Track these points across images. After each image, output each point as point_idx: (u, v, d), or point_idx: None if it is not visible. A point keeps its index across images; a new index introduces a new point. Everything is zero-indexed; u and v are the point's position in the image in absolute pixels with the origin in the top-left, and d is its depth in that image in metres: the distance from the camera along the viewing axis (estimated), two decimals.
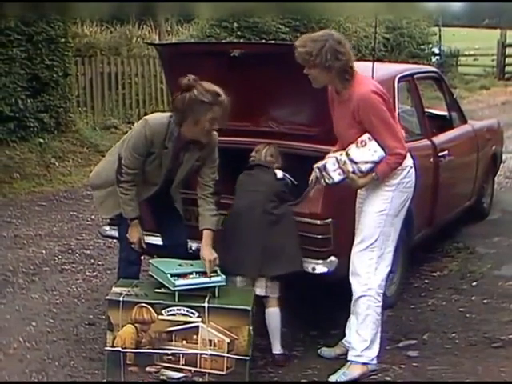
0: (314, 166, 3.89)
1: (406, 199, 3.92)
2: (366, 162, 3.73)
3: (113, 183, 4.02)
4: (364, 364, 3.90)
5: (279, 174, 4.20)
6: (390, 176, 3.82)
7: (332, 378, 3.86)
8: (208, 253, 3.93)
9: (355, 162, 3.73)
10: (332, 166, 3.80)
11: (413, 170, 3.93)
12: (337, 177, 3.80)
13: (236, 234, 4.06)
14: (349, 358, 3.94)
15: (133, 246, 4.06)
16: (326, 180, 3.84)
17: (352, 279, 3.91)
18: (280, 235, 4.03)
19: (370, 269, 3.85)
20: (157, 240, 4.32)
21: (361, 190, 3.98)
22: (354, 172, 3.75)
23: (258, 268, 4.00)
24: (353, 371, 3.88)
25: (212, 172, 4.10)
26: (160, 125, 3.90)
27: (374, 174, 3.76)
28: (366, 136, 3.73)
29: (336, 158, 3.79)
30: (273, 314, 4.04)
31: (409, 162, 3.91)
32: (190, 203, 4.31)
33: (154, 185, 4.07)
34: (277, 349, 4.06)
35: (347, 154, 3.76)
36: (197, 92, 3.79)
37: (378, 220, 3.83)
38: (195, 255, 4.12)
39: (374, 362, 3.93)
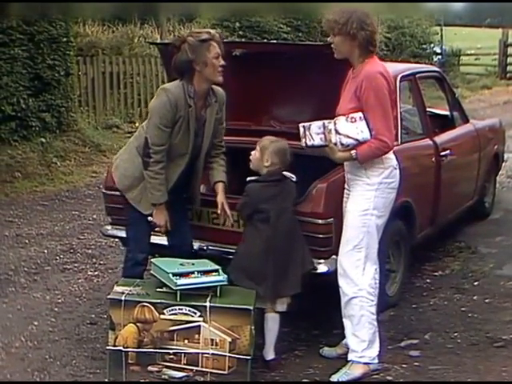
0: (300, 124, 3.88)
1: (390, 200, 3.91)
2: (349, 137, 3.73)
3: (142, 177, 4.03)
4: (365, 364, 3.90)
5: (292, 177, 4.11)
6: (372, 174, 3.81)
7: (334, 378, 3.86)
8: (224, 199, 4.12)
9: (338, 133, 3.73)
10: (317, 128, 3.80)
11: (396, 171, 3.92)
12: (318, 141, 3.80)
13: (274, 256, 3.95)
14: (350, 358, 3.93)
15: (158, 229, 4.05)
16: (307, 141, 3.84)
17: (341, 281, 3.90)
18: (298, 246, 4.02)
19: (358, 269, 3.85)
20: (161, 240, 4.32)
21: (346, 190, 3.98)
22: (335, 143, 3.76)
23: (299, 286, 3.98)
24: (354, 371, 3.88)
25: (224, 130, 4.21)
26: (177, 87, 3.98)
27: (353, 151, 3.75)
28: (358, 114, 3.73)
29: (324, 123, 3.79)
30: (273, 318, 4.01)
31: (393, 162, 3.90)
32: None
33: (183, 156, 4.05)
34: (271, 355, 4.01)
35: (334, 123, 3.76)
36: (192, 38, 3.96)
37: (362, 220, 3.82)
38: (198, 255, 4.13)
39: (376, 361, 3.93)
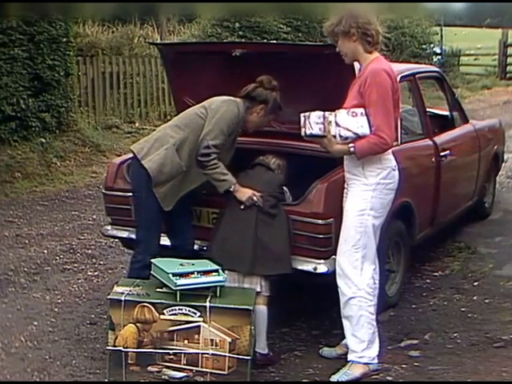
0: (301, 113, 3.90)
1: (388, 201, 3.91)
2: (348, 130, 3.74)
3: (175, 176, 4.12)
4: (365, 364, 3.90)
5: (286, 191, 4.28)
6: (370, 174, 3.81)
7: (334, 378, 3.86)
8: None
9: (338, 125, 3.75)
10: (316, 118, 3.81)
11: (395, 172, 3.91)
12: (316, 130, 3.81)
13: (231, 230, 4.07)
14: (349, 358, 3.93)
15: (255, 198, 4.07)
16: (306, 130, 3.86)
17: (339, 281, 3.90)
18: (273, 235, 4.04)
19: (356, 270, 3.85)
20: (163, 240, 4.33)
21: (346, 189, 3.97)
22: (334, 136, 3.77)
23: (251, 265, 4.00)
24: (354, 371, 3.88)
25: None
26: (242, 107, 4.27)
27: (351, 145, 3.75)
28: (360, 110, 3.75)
29: (324, 114, 3.81)
30: (261, 312, 4.00)
31: (391, 163, 3.89)
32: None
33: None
34: (259, 347, 4.01)
35: (335, 115, 3.77)
36: (279, 98, 4.32)
37: (359, 220, 3.83)
38: (199, 255, 4.14)
39: (375, 361, 3.93)
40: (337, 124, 3.75)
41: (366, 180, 3.83)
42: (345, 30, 3.81)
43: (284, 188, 4.27)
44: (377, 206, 3.84)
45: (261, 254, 3.99)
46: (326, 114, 3.79)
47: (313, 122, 3.81)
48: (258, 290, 4.00)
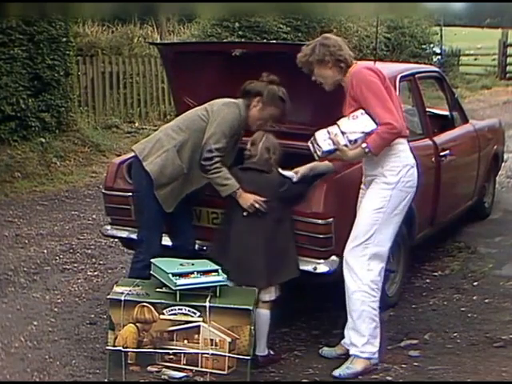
0: (308, 142, 3.91)
1: (407, 199, 3.93)
2: (355, 132, 3.76)
3: (177, 178, 4.13)
4: (366, 359, 3.92)
5: (287, 173, 4.16)
6: (390, 173, 3.84)
7: (336, 372, 3.89)
8: None
9: (343, 132, 3.77)
10: (322, 136, 3.84)
11: (414, 169, 3.94)
12: (326, 146, 3.82)
13: (242, 247, 4.01)
14: (351, 352, 3.95)
15: (257, 205, 4.01)
16: (318, 152, 3.87)
17: (346, 274, 3.92)
18: (282, 241, 4.03)
19: (363, 265, 3.87)
20: (165, 240, 4.33)
21: (363, 187, 3.98)
22: (345, 145, 3.78)
23: (268, 278, 3.99)
24: (356, 365, 3.90)
25: None
26: (243, 109, 4.23)
27: (364, 145, 3.77)
28: (359, 111, 3.78)
29: (327, 130, 3.83)
30: (263, 315, 4.00)
31: (409, 161, 3.93)
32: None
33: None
34: (261, 350, 4.01)
35: (338, 126, 3.79)
36: (281, 91, 4.22)
37: (374, 217, 3.85)
38: (199, 255, 4.14)
39: (376, 356, 3.94)
40: (342, 133, 3.78)
41: (386, 179, 3.86)
42: (319, 58, 3.88)
43: (284, 173, 4.15)
44: (395, 204, 3.88)
45: (274, 266, 3.98)
46: (329, 129, 3.82)
47: (320, 140, 3.84)
48: (273, 298, 4.02)
